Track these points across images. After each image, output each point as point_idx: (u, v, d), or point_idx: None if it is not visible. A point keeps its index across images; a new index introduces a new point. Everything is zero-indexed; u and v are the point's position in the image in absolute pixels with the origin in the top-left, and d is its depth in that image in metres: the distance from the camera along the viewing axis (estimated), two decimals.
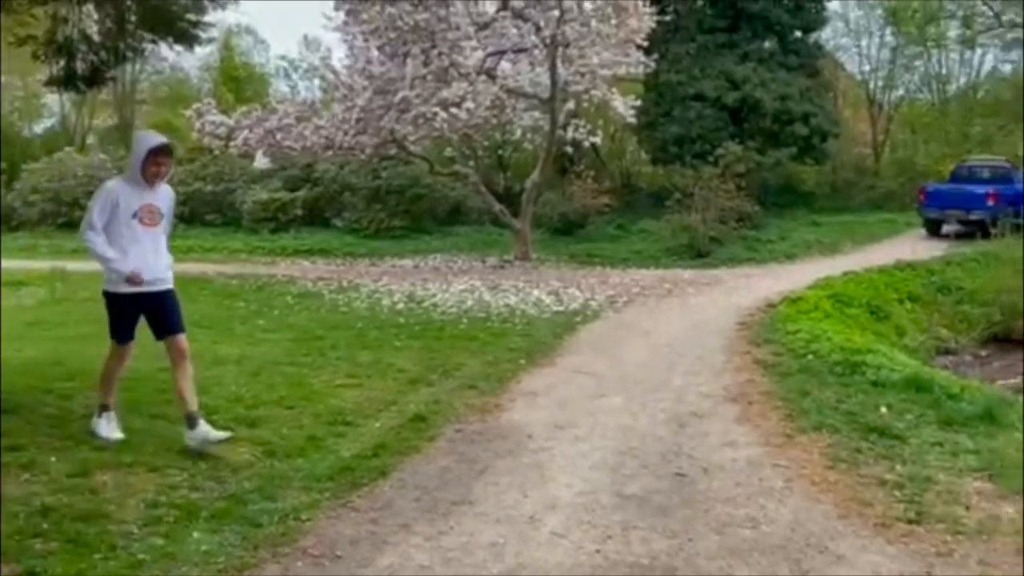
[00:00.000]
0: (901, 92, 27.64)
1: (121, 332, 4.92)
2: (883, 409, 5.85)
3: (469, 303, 11.24)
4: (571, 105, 16.33)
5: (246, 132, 15.86)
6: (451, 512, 4.18)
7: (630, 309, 11.04)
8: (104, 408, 5.05)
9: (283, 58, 28.89)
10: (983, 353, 12.16)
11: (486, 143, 20.56)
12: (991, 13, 11.40)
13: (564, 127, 16.46)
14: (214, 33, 8.65)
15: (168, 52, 16.78)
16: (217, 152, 18.80)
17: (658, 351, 8.26)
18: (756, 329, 9.17)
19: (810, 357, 7.54)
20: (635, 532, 3.92)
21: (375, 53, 15.05)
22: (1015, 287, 13.03)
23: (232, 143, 16.16)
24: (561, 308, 10.86)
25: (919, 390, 6.27)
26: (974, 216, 17.44)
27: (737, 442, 5.27)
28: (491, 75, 15.03)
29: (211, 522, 3.93)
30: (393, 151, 17.03)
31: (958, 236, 17.93)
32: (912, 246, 16.45)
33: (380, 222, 19.21)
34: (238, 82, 29.34)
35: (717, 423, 5.73)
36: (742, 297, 11.51)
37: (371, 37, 14.60)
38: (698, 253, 16.34)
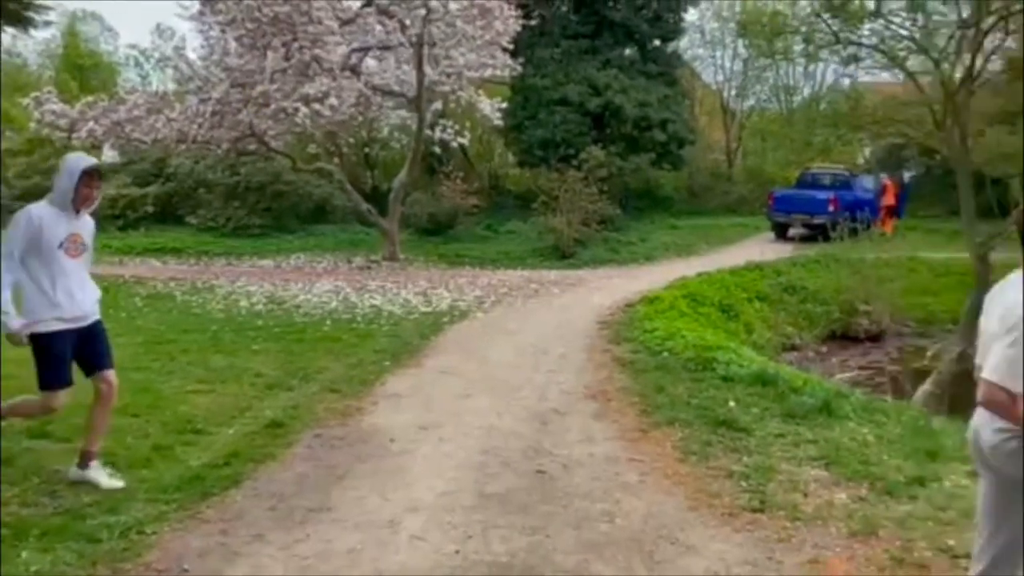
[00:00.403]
0: (752, 102, 29.27)
1: (55, 377, 4.22)
2: (732, 403, 6.13)
3: (334, 304, 11.00)
4: (438, 105, 16.29)
5: (91, 123, 14.89)
6: (307, 520, 4.06)
7: (497, 309, 11.11)
8: (86, 456, 4.40)
9: (133, 47, 27.41)
10: (823, 349, 13.01)
11: (352, 140, 20.20)
12: (829, 31, 12.31)
13: (432, 127, 16.40)
14: (53, 17, 8.05)
15: (2, 35, 15.53)
16: (59, 144, 17.55)
17: (523, 350, 8.35)
18: (616, 328, 9.43)
19: (665, 354, 7.83)
20: (495, 531, 3.93)
21: (233, 44, 14.48)
22: (852, 287, 14.02)
23: (76, 135, 15.11)
24: (429, 309, 10.80)
25: (765, 384, 6.61)
26: (817, 220, 18.57)
27: (595, 438, 5.39)
28: (356, 71, 14.77)
29: (43, 540, 3.65)
30: (252, 146, 16.44)
31: (802, 239, 19.09)
32: (761, 248, 17.40)
33: (238, 220, 18.51)
34: (83, 70, 27.60)
35: (577, 420, 5.84)
36: (604, 297, 11.81)
37: (228, 28, 14.05)
38: (563, 254, 16.69)
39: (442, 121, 16.79)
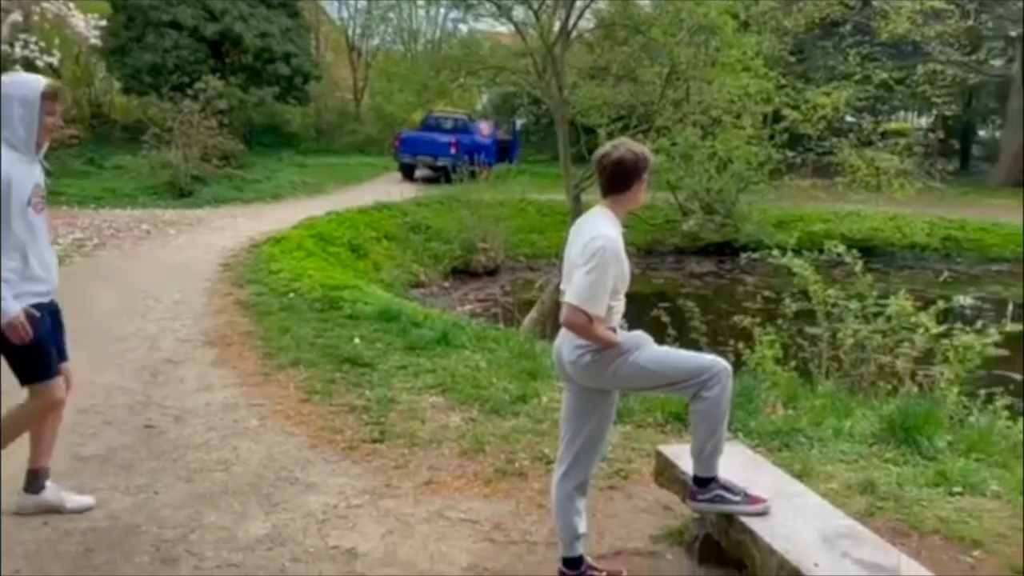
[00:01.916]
0: (377, 41, 29.39)
1: (49, 364, 3.27)
2: (357, 340, 6.22)
3: None
4: (17, 17, 13.91)
5: None
6: None
7: (101, 254, 10.03)
8: (37, 475, 3.40)
9: None
10: (447, 284, 13.75)
11: None
12: None
13: (11, 44, 13.98)
14: None
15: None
16: None
17: (131, 298, 7.62)
18: (239, 270, 9.03)
19: (291, 295, 7.69)
20: (93, 495, 3.55)
21: None
22: (471, 226, 14.94)
23: None
24: None
25: (389, 320, 6.81)
26: (440, 162, 19.39)
27: (213, 385, 5.13)
28: None
29: None
30: None
31: (427, 180, 19.85)
32: (389, 189, 17.73)
33: None
34: None
35: (193, 368, 5.50)
36: (226, 238, 11.22)
37: None
38: (181, 192, 15.47)
39: (23, 36, 14.39)
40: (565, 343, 2.81)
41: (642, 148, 2.84)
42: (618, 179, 2.79)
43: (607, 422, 2.92)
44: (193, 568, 3.04)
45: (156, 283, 8.31)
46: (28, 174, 3.20)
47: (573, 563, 2.90)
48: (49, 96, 3.22)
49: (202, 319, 6.92)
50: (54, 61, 15.60)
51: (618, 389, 2.94)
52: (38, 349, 3.22)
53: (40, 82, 3.22)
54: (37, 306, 3.21)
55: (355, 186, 18.87)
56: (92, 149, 18.27)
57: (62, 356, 3.43)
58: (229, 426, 4.43)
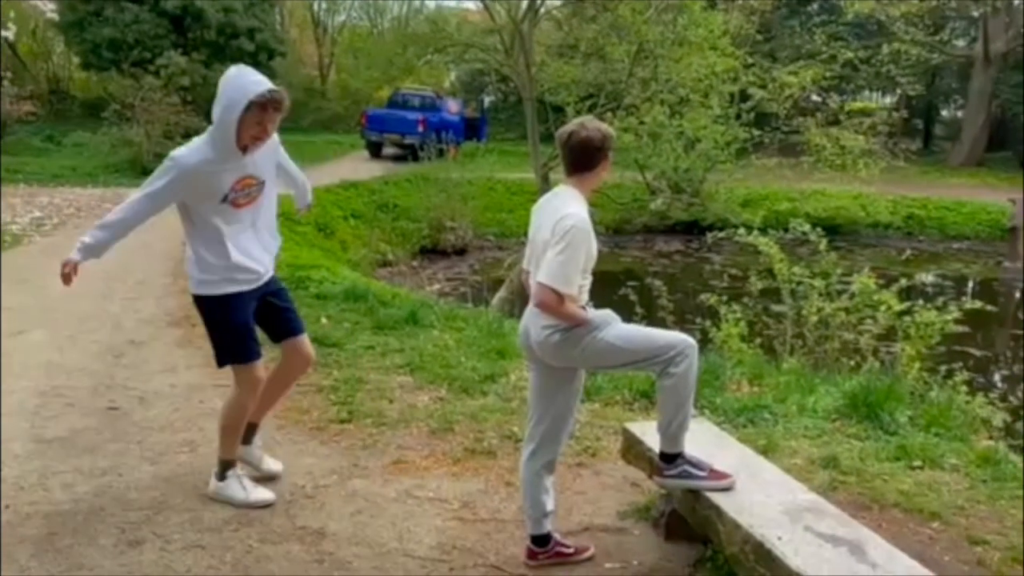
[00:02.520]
0: (343, 17, 28.98)
1: (247, 347, 3.33)
2: (324, 320, 6.17)
3: None
4: None
5: None
6: None
7: (61, 233, 9.81)
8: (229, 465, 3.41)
9: None
10: (415, 263, 13.70)
11: None
12: None
13: None
14: None
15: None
16: None
17: (93, 278, 7.42)
18: None
19: None
20: (56, 478, 3.50)
21: None
22: (440, 205, 14.87)
23: None
24: None
25: (357, 300, 6.77)
26: (408, 140, 19.22)
27: (178, 366, 5.06)
28: None
29: None
30: None
31: (395, 158, 19.69)
32: (356, 167, 17.58)
33: None
34: None
35: (158, 349, 5.43)
36: None
37: None
38: (143, 170, 15.14)
39: None
40: (532, 323, 2.81)
41: (606, 126, 2.83)
42: (585, 157, 2.78)
43: (574, 400, 2.93)
44: (159, 550, 3.01)
45: (118, 263, 8.10)
46: (220, 172, 3.16)
47: (541, 540, 2.93)
48: (259, 104, 3.05)
49: (166, 299, 6.82)
50: (10, 35, 15.33)
51: (586, 367, 2.95)
52: (236, 332, 3.31)
53: (254, 89, 3.04)
54: (241, 294, 3.28)
55: (321, 164, 18.63)
56: (50, 126, 17.87)
57: (295, 330, 3.50)
58: (194, 407, 4.38)
